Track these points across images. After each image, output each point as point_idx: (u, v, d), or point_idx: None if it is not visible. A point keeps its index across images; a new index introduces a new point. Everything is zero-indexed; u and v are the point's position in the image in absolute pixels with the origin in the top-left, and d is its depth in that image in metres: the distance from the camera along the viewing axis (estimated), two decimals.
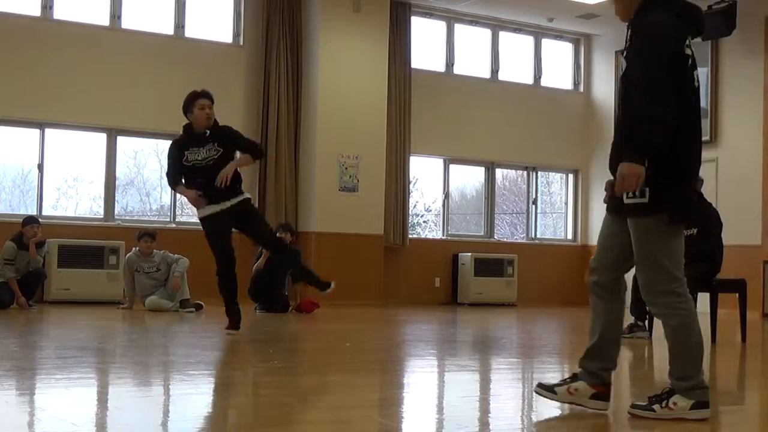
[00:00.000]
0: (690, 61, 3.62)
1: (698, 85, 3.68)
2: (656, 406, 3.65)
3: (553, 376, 5.40)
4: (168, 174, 7.32)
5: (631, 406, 3.75)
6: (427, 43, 14.06)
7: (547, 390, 3.85)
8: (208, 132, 7.13)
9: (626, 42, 3.73)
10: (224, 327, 7.11)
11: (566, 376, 3.95)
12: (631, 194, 3.58)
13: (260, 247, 9.56)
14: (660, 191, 3.55)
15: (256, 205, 12.05)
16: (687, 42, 3.63)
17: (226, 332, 7.03)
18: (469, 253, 13.57)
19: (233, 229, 7.28)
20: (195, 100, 7.19)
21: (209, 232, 7.14)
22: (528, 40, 14.98)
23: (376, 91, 12.77)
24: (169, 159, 7.30)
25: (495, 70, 14.55)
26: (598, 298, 3.84)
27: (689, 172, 3.64)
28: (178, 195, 12.33)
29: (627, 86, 3.65)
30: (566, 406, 3.89)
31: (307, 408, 4.02)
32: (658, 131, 3.47)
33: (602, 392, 3.76)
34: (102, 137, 11.89)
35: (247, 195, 7.29)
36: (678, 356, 3.66)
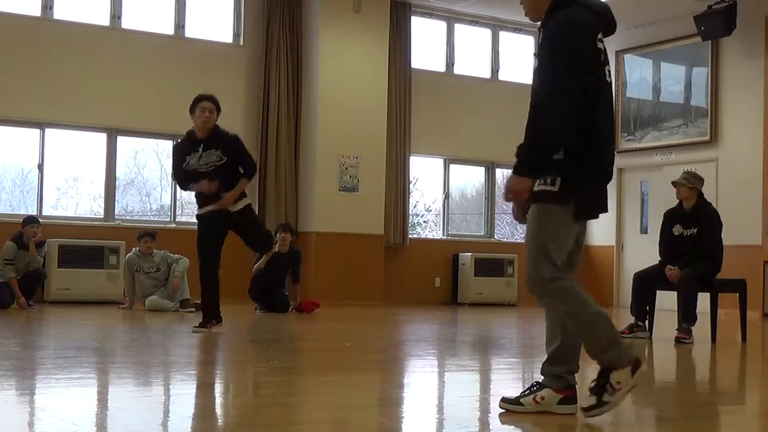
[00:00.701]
0: (602, 57, 3.64)
1: (610, 81, 3.70)
2: (525, 399, 3.67)
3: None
4: (175, 178, 7.44)
5: (501, 399, 3.76)
6: (427, 43, 14.05)
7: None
8: (209, 137, 7.19)
9: (540, 42, 3.71)
10: (196, 325, 7.23)
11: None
12: (541, 181, 3.60)
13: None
14: (570, 183, 3.57)
15: (256, 206, 12.13)
16: (599, 37, 3.64)
17: (194, 329, 7.15)
18: (470, 253, 13.57)
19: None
20: (198, 102, 7.29)
21: (202, 233, 7.21)
22: (528, 40, 14.97)
23: (376, 91, 12.77)
24: (172, 163, 7.45)
25: (495, 70, 14.54)
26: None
27: (602, 168, 3.65)
28: (179, 195, 12.40)
29: (538, 84, 3.65)
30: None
31: (307, 408, 4.02)
32: (564, 130, 3.51)
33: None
34: (102, 137, 11.89)
35: (248, 201, 7.40)
36: (585, 339, 3.64)
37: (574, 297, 3.60)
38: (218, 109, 7.35)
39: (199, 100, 7.31)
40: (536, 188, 3.61)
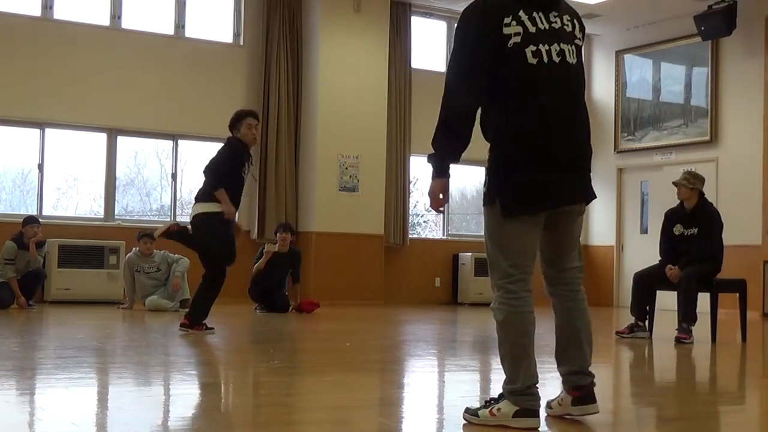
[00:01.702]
0: (520, 38, 3.35)
1: (537, 60, 3.38)
2: (482, 411, 3.46)
3: (553, 376, 5.41)
4: (222, 172, 7.06)
5: (465, 410, 3.55)
6: (427, 43, 14.06)
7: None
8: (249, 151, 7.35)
9: None
10: (181, 323, 7.18)
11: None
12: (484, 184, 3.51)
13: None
14: (494, 181, 3.46)
15: (257, 206, 12.18)
16: (508, 19, 3.35)
17: (181, 330, 7.09)
18: (470, 253, 13.58)
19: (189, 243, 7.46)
20: (243, 119, 7.19)
21: (224, 234, 7.04)
22: None
23: (376, 91, 12.77)
24: (229, 159, 7.13)
25: None
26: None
27: (525, 161, 3.40)
28: (179, 195, 12.41)
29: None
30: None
31: (307, 408, 4.02)
32: (449, 124, 3.46)
33: (581, 396, 3.55)
34: (102, 137, 11.89)
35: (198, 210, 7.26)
36: (503, 356, 3.45)
37: (512, 317, 3.41)
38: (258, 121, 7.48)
39: (242, 117, 7.21)
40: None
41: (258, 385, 4.74)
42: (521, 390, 3.37)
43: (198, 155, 12.68)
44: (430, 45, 14.10)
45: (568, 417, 3.60)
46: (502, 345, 3.44)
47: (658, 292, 7.85)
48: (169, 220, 12.28)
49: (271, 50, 12.49)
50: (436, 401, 4.46)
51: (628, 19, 13.59)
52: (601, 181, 14.79)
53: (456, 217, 14.58)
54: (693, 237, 7.81)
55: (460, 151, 3.49)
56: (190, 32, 12.39)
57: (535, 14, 3.38)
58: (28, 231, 9.80)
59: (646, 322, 7.86)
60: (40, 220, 10.21)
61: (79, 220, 11.81)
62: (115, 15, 11.93)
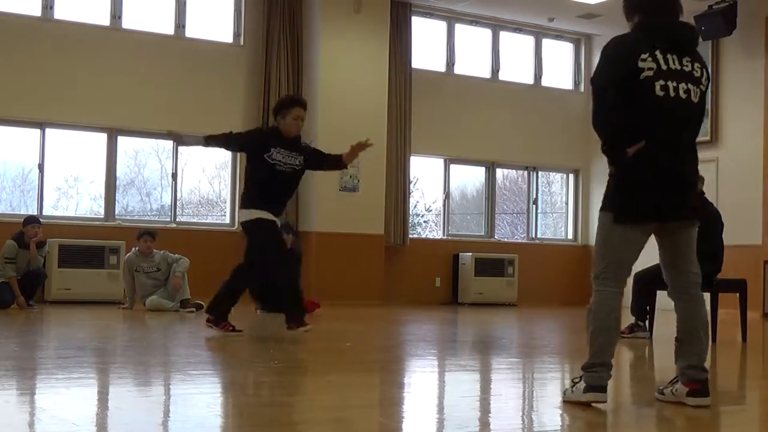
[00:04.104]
0: (653, 73, 3.87)
1: (664, 93, 3.89)
2: (567, 390, 4.02)
3: (553, 376, 5.41)
4: (229, 138, 6.86)
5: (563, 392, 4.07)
6: (427, 43, 14.06)
7: (659, 393, 4.19)
8: (295, 140, 6.86)
9: None
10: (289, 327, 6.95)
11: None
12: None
13: None
14: (614, 192, 3.99)
15: None
16: (645, 56, 3.88)
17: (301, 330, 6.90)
18: (470, 253, 13.57)
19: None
20: (292, 107, 6.84)
21: (269, 231, 6.79)
22: (528, 40, 14.98)
23: (377, 91, 12.76)
24: (245, 134, 6.97)
25: (495, 70, 14.54)
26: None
27: (644, 178, 3.90)
28: (178, 194, 12.40)
29: None
30: (564, 406, 3.91)
31: (307, 408, 4.02)
32: (604, 142, 4.00)
33: (695, 389, 4.01)
34: (102, 137, 11.89)
35: (241, 218, 6.99)
36: (588, 339, 4.00)
37: (596, 306, 3.99)
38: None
39: (293, 104, 6.88)
40: None
41: (258, 385, 4.73)
42: (592, 366, 3.91)
43: (198, 155, 12.70)
44: (430, 45, 14.10)
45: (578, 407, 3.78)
46: (588, 329, 4.00)
47: (658, 292, 7.85)
48: (169, 220, 12.29)
49: (271, 50, 12.49)
50: (436, 401, 4.46)
51: None
52: (602, 181, 14.75)
53: (456, 217, 14.58)
54: None
55: (620, 139, 3.96)
56: (190, 32, 12.39)
57: (669, 55, 3.92)
58: (29, 231, 9.80)
59: (646, 322, 7.86)
60: (40, 219, 10.20)
61: (80, 220, 11.81)
62: (115, 15, 11.94)
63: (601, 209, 4.06)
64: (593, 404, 3.87)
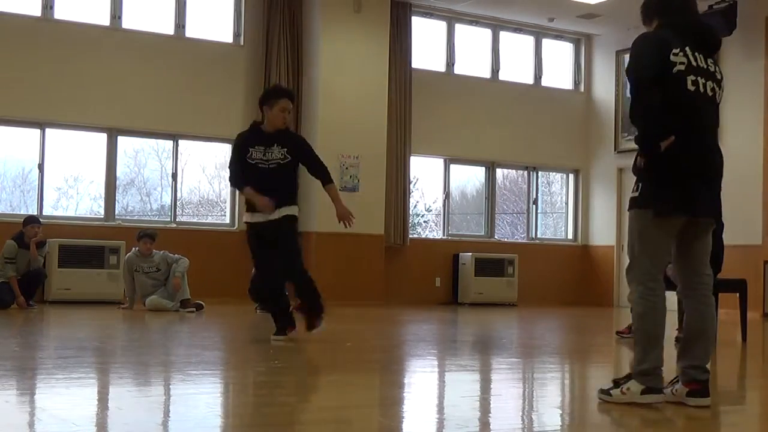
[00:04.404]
0: (684, 67, 3.93)
1: (695, 89, 3.95)
2: (614, 391, 4.00)
3: (553, 376, 5.41)
4: (232, 173, 6.67)
5: (599, 390, 4.07)
6: (427, 43, 14.05)
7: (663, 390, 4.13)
8: (276, 133, 6.58)
9: None
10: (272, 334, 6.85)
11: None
12: (634, 189, 4.03)
13: None
14: (647, 188, 3.96)
15: None
16: (677, 51, 3.94)
17: (273, 339, 6.81)
18: (470, 253, 13.57)
19: None
20: (279, 97, 6.58)
21: (248, 240, 6.74)
22: (528, 40, 14.97)
23: (377, 91, 12.76)
24: (233, 157, 6.71)
25: (495, 70, 14.54)
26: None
27: (682, 173, 3.91)
28: (179, 195, 12.40)
29: None
30: (564, 406, 3.91)
31: (307, 408, 4.02)
32: (641, 134, 3.98)
33: (695, 389, 4.02)
34: (102, 137, 11.89)
35: (290, 212, 6.74)
36: (637, 342, 4.06)
37: (650, 310, 4.03)
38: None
39: (279, 95, 6.62)
40: (631, 195, 4.09)
41: (258, 385, 4.73)
42: (649, 371, 3.95)
43: (198, 155, 12.70)
44: (431, 45, 14.10)
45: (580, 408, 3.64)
46: (637, 332, 4.07)
47: None
48: (169, 220, 12.29)
49: (271, 50, 12.49)
50: (436, 401, 4.46)
51: (628, 19, 13.55)
52: (602, 181, 14.79)
53: (456, 217, 14.57)
54: None
55: (659, 131, 3.94)
56: (190, 32, 12.39)
57: (697, 54, 4.00)
58: (29, 231, 9.80)
59: None
60: (40, 219, 10.20)
61: (80, 220, 11.81)
62: (115, 15, 11.93)
63: (637, 207, 4.01)
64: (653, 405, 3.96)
